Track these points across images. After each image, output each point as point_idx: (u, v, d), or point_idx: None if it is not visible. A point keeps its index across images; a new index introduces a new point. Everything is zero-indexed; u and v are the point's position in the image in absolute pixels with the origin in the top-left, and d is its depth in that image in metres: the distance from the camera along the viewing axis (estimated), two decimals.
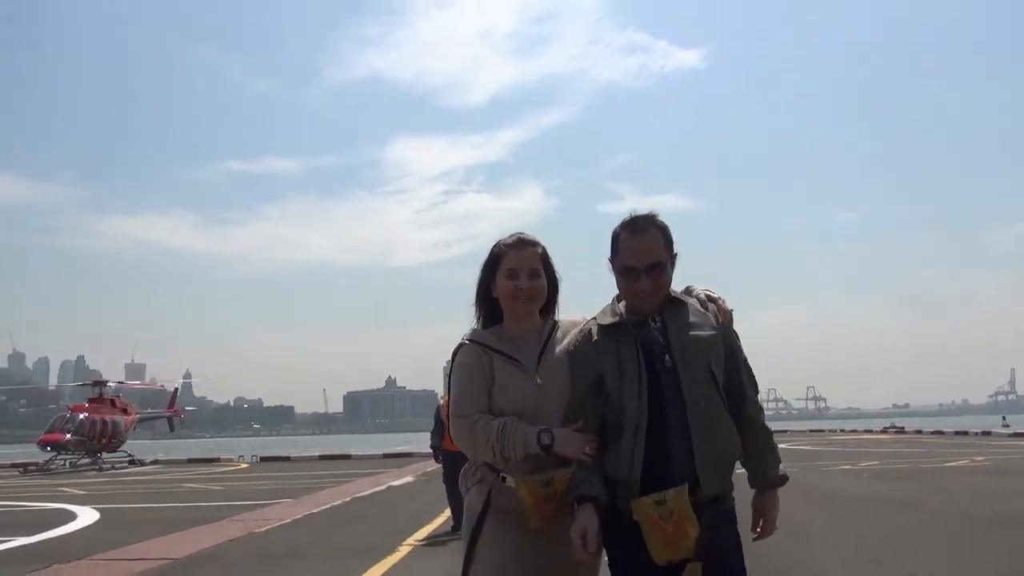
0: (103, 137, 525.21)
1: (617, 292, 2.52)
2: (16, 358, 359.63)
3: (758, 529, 2.49)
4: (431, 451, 10.37)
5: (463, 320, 2.69)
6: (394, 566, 7.14)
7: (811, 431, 49.86)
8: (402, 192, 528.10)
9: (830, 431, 49.36)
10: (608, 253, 2.49)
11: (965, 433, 35.56)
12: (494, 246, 2.62)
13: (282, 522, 10.55)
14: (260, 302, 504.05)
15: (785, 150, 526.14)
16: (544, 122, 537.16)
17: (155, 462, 33.09)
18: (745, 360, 2.53)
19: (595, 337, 2.45)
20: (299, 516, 11.22)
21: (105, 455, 31.92)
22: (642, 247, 2.40)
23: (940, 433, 37.04)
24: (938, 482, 14.12)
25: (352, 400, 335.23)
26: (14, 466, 30.76)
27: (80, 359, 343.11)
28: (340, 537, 9.38)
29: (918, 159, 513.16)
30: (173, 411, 45.14)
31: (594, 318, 2.52)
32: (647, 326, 2.42)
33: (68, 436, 30.13)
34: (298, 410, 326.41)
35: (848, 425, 69.90)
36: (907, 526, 8.88)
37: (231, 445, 72.08)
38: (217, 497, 15.57)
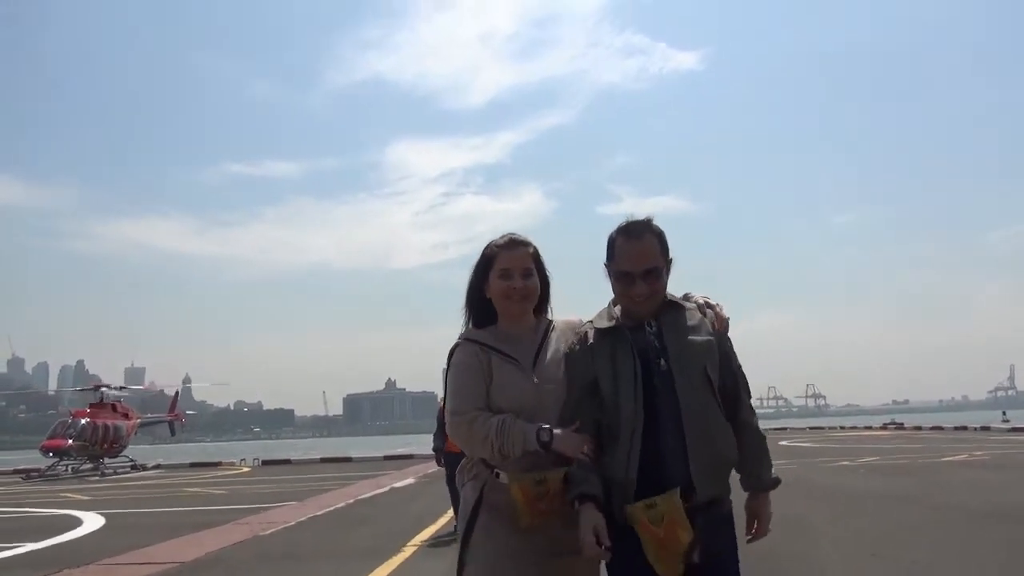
0: (103, 140, 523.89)
1: (613, 296, 2.55)
2: (15, 363, 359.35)
3: (752, 531, 2.51)
4: (433, 453, 10.41)
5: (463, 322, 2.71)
6: (399, 567, 7.23)
7: (811, 428, 50.05)
8: (402, 194, 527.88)
9: (830, 428, 49.48)
10: (605, 257, 2.51)
11: (964, 428, 35.74)
12: (486, 247, 2.65)
13: (287, 525, 10.64)
14: (260, 305, 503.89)
15: (784, 151, 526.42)
16: (543, 124, 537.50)
17: (157, 467, 33.16)
18: (739, 367, 2.55)
19: (591, 340, 2.47)
20: (303, 519, 11.31)
21: (107, 460, 31.94)
22: (638, 252, 2.42)
23: (939, 429, 37.11)
24: (936, 477, 14.24)
25: (352, 402, 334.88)
26: (16, 472, 30.80)
27: (80, 363, 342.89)
28: (344, 539, 9.48)
29: (915, 161, 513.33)
30: (174, 415, 45.18)
31: (590, 321, 2.55)
32: (643, 330, 2.44)
33: (70, 442, 30.16)
34: (298, 413, 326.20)
35: (848, 422, 69.98)
36: (905, 520, 8.98)
37: (231, 449, 72.10)
38: (220, 501, 15.65)
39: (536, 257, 2.63)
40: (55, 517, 13.42)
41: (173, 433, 47.40)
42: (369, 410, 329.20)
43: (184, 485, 21.19)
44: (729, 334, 2.55)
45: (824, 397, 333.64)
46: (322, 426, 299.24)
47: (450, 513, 9.60)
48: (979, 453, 19.62)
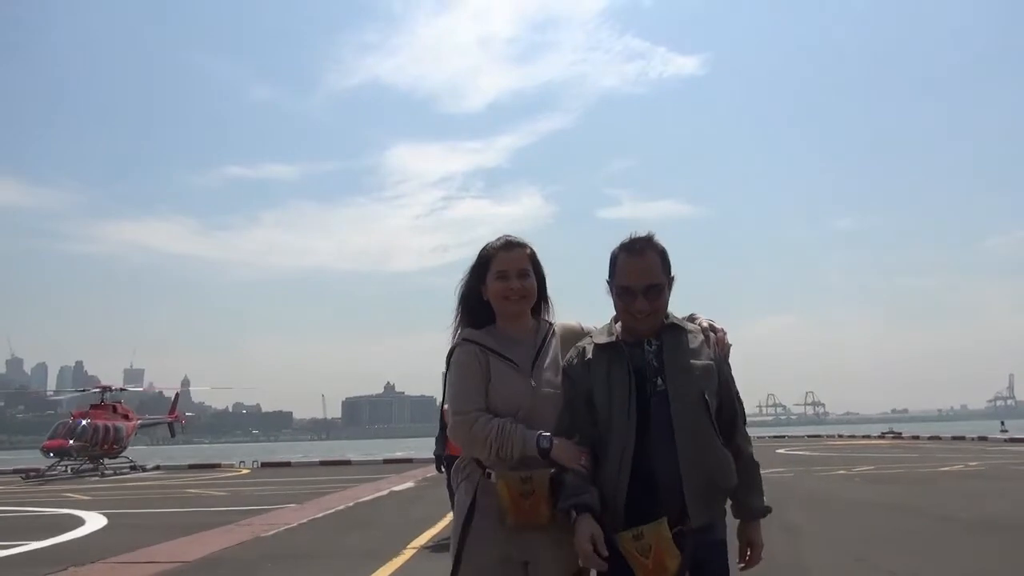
0: (103, 142, 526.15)
1: (615, 314, 2.55)
2: (14, 363, 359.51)
3: (746, 559, 2.50)
4: (434, 458, 10.46)
5: (452, 322, 2.72)
6: (399, 568, 7.37)
7: (809, 436, 50.13)
8: (401, 198, 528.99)
9: (828, 436, 49.58)
10: (607, 272, 2.52)
11: (962, 438, 35.75)
12: (483, 249, 2.67)
13: (288, 526, 10.77)
14: (259, 307, 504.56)
15: (783, 157, 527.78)
16: (543, 128, 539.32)
17: (157, 468, 33.30)
18: (738, 394, 2.55)
19: (589, 355, 2.48)
20: (304, 520, 11.43)
21: (107, 461, 32.06)
22: (640, 268, 2.43)
23: (937, 438, 37.12)
24: (930, 486, 14.36)
25: (350, 405, 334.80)
26: (15, 472, 30.91)
27: (78, 364, 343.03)
28: (346, 541, 9.60)
29: (915, 166, 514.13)
30: (174, 416, 45.20)
31: (590, 336, 2.57)
32: (641, 348, 2.44)
33: (71, 442, 30.25)
34: (296, 416, 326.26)
35: (846, 430, 70.13)
36: (894, 528, 9.10)
37: (230, 451, 72.13)
38: (221, 502, 15.76)
39: (533, 258, 2.65)
40: (58, 516, 13.54)
41: (173, 435, 47.42)
42: (368, 413, 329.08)
43: (184, 486, 21.30)
44: (728, 340, 2.56)
45: (823, 405, 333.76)
46: (320, 429, 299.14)
47: (450, 517, 9.69)
48: (974, 463, 19.72)
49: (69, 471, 30.21)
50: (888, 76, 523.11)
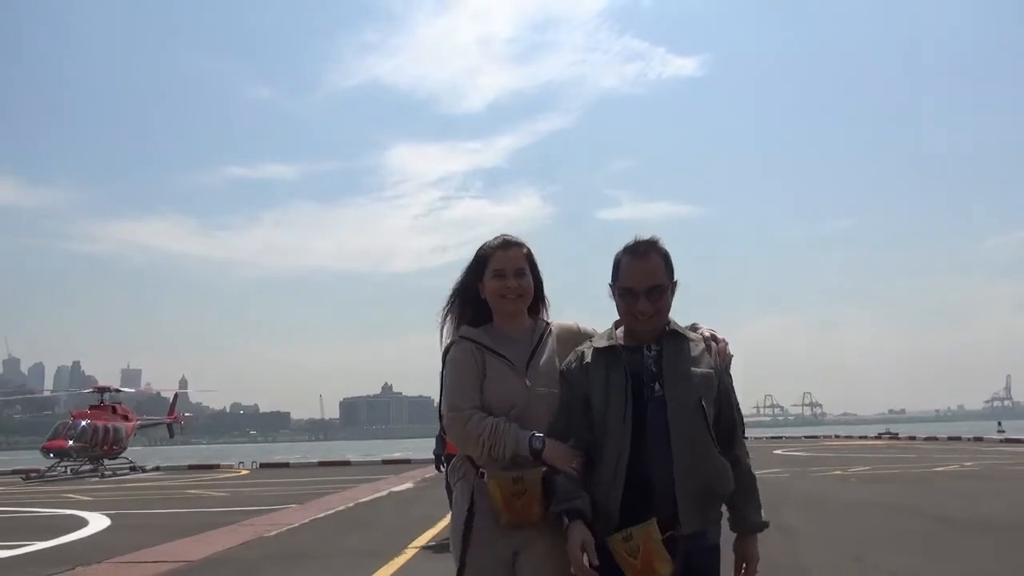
0: (102, 142, 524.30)
1: (616, 319, 2.56)
2: (11, 363, 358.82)
3: (741, 574, 2.47)
4: (434, 457, 10.55)
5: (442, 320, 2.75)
6: (400, 568, 7.47)
7: (806, 437, 50.23)
8: (400, 198, 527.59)
9: (825, 437, 49.70)
10: (606, 272, 2.52)
11: (958, 439, 35.94)
12: (480, 248, 2.68)
13: (290, 526, 10.86)
14: (258, 308, 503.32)
15: (782, 158, 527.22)
16: (542, 128, 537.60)
17: (156, 469, 33.40)
18: (737, 404, 2.54)
19: (587, 359, 2.48)
20: (306, 520, 11.53)
21: (107, 462, 32.15)
22: (643, 270, 2.43)
23: (934, 439, 37.31)
24: (925, 486, 14.51)
25: (348, 406, 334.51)
26: (15, 472, 30.97)
27: (76, 364, 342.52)
28: (347, 540, 9.70)
29: (913, 167, 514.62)
30: (173, 417, 45.28)
31: (589, 339, 2.57)
32: (641, 353, 2.44)
33: (71, 443, 30.35)
34: (294, 416, 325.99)
35: (843, 431, 70.35)
36: (891, 528, 9.21)
37: (228, 451, 72.17)
38: (222, 503, 15.85)
39: (529, 257, 2.67)
40: (60, 517, 13.63)
41: (172, 435, 47.50)
42: (365, 414, 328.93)
43: (184, 487, 21.38)
44: (730, 351, 2.54)
45: (820, 406, 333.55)
46: (318, 429, 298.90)
47: (449, 516, 9.80)
48: (969, 464, 19.87)
49: (69, 472, 30.30)
50: (888, 76, 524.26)
